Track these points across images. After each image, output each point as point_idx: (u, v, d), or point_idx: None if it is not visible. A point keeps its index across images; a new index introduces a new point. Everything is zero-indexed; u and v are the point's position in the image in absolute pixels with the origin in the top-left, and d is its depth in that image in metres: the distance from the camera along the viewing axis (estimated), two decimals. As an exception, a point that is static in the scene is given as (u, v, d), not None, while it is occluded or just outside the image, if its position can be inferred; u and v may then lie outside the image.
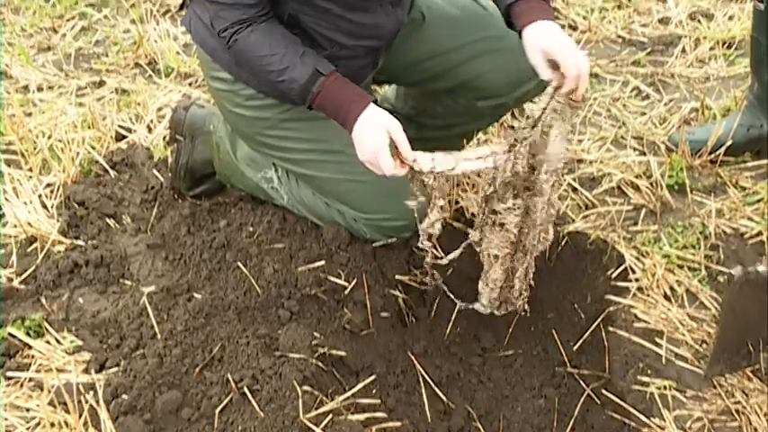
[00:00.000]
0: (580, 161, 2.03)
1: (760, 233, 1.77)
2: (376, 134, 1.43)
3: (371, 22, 1.55)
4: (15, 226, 1.78)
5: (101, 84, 2.32)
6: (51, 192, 1.88)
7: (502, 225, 1.48)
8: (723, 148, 1.93)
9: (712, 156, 1.95)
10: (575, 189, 1.93)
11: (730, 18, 2.50)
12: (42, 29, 2.52)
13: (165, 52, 2.39)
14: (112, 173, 1.95)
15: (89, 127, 2.08)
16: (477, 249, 1.52)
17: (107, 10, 2.61)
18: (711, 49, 2.38)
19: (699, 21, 2.51)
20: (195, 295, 1.61)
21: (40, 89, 2.28)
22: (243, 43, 1.50)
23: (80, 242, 1.76)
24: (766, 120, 1.95)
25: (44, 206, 1.84)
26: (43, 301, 1.63)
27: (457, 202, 1.85)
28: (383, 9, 1.55)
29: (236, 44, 1.50)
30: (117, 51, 2.44)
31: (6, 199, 1.84)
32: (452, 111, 1.78)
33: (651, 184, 1.92)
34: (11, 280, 1.67)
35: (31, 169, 1.94)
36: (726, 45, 2.40)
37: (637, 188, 1.91)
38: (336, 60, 1.51)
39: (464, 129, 1.82)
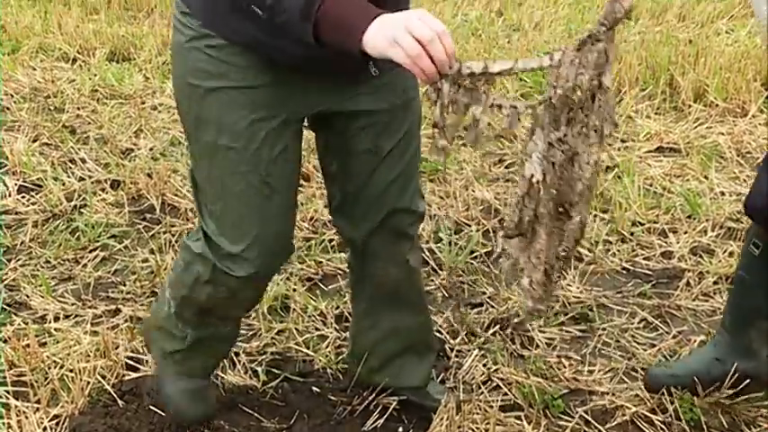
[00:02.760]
0: (591, 393, 2.01)
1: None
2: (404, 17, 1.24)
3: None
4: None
5: (116, 312, 2.37)
6: (57, 424, 1.86)
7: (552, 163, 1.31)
8: (728, 388, 1.92)
9: (720, 394, 1.93)
10: (587, 422, 1.90)
11: (730, 254, 2.57)
12: (66, 260, 2.61)
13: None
14: (121, 402, 1.93)
15: (101, 356, 2.10)
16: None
17: (128, 241, 2.72)
18: (715, 283, 2.43)
19: (700, 256, 2.59)
20: None
21: (57, 318, 2.32)
22: None
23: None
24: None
25: (49, 439, 1.82)
26: None
27: None
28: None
29: None
30: (134, 280, 2.51)
31: (11, 432, 1.82)
32: None
33: (665, 421, 1.89)
34: None
35: (39, 401, 1.94)
36: (729, 280, 2.45)
37: (651, 423, 1.88)
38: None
39: None
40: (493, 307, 2.39)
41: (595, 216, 2.76)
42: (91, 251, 2.65)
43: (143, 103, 3.56)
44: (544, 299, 1.44)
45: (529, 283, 1.43)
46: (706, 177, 3.00)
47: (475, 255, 2.61)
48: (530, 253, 1.42)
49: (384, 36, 1.27)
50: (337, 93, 1.64)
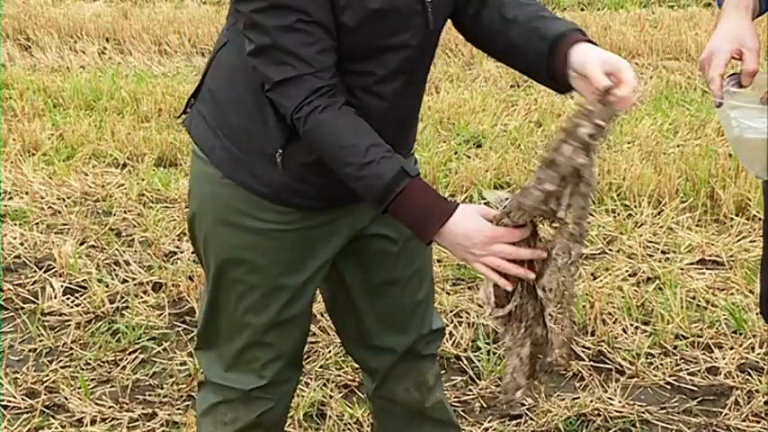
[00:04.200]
0: None
1: None
2: (478, 219, 1.36)
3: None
4: None
5: (153, 416, 2.36)
6: None
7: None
8: None
9: None
10: None
11: (781, 365, 2.51)
12: (105, 362, 2.63)
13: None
14: None
15: (135, 460, 2.08)
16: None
17: (167, 343, 2.73)
18: (766, 403, 2.35)
19: (749, 373, 2.51)
20: None
21: (93, 422, 2.32)
22: (323, 128, 1.38)
23: None
24: None
25: None
26: None
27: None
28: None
29: (312, 129, 1.38)
30: (171, 383, 2.51)
31: None
32: None
33: None
34: None
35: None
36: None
37: None
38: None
39: None
40: (532, 419, 2.33)
41: (637, 328, 2.72)
42: (130, 353, 2.67)
43: (187, 207, 3.64)
44: (521, 388, 1.43)
45: (512, 370, 1.42)
46: (751, 292, 2.94)
47: (514, 365, 2.56)
48: (514, 339, 1.42)
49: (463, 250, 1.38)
50: (357, 216, 1.64)
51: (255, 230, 1.57)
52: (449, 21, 1.59)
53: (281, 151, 1.50)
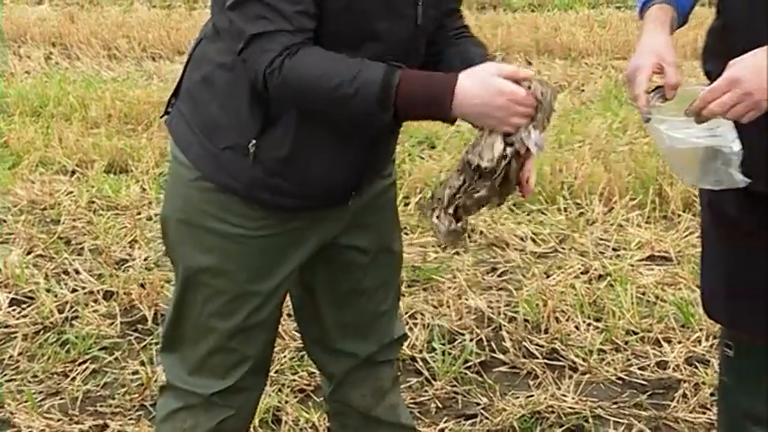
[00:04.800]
0: None
1: None
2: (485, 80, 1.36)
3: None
4: None
5: (104, 427, 2.32)
6: None
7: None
8: None
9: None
10: None
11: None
12: (54, 374, 2.58)
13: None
14: None
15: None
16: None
17: (118, 353, 2.69)
18: (712, 395, 2.40)
19: (696, 366, 2.56)
20: None
21: (41, 435, 2.27)
22: (299, 67, 1.34)
23: None
24: None
25: None
26: None
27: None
28: None
29: (290, 72, 1.34)
30: (123, 393, 2.47)
31: None
32: None
33: None
34: None
35: None
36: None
37: None
38: None
39: None
40: (487, 419, 2.35)
41: (589, 325, 2.75)
42: (80, 364, 2.62)
43: (138, 213, 3.60)
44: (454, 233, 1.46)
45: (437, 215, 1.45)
46: (698, 287, 3.00)
47: (469, 364, 2.58)
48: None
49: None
50: (327, 226, 1.64)
51: (224, 234, 1.56)
52: None
53: (254, 142, 1.48)
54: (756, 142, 1.51)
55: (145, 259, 3.23)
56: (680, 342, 2.66)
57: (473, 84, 1.37)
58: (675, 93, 1.49)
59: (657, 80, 1.49)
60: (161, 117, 1.67)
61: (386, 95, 1.34)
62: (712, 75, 1.50)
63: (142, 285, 3.00)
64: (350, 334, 1.75)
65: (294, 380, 2.51)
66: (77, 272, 3.12)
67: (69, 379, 2.55)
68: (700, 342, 2.65)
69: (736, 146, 1.46)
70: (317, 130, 1.48)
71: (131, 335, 2.77)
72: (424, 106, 1.37)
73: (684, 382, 2.48)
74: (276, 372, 2.52)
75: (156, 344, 2.70)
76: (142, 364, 2.60)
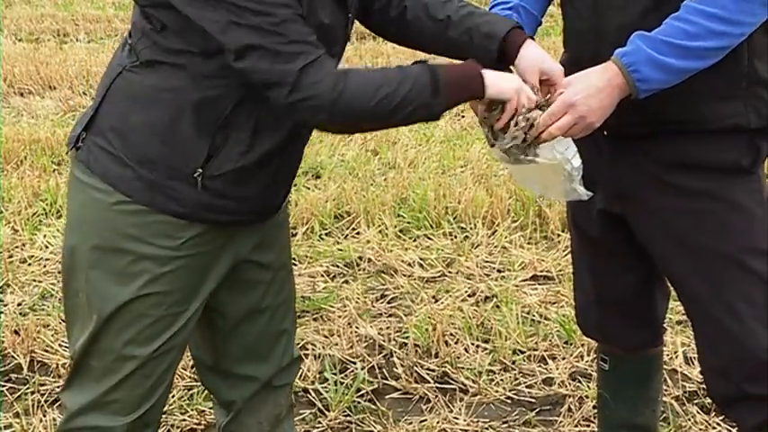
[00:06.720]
0: None
1: None
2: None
3: None
4: None
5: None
6: None
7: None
8: None
9: None
10: None
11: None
12: None
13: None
14: None
15: None
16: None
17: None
18: (595, 407, 2.49)
19: (579, 381, 2.65)
20: None
21: None
22: (353, 87, 1.40)
23: None
24: None
25: None
26: None
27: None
28: None
29: (349, 92, 1.40)
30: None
31: None
32: None
33: None
34: None
35: None
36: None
37: None
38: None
39: None
40: (382, 447, 2.35)
41: (478, 347, 2.81)
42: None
43: (11, 256, 3.43)
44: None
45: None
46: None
47: (361, 393, 2.58)
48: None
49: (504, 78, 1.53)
50: (241, 243, 1.64)
51: (150, 256, 1.52)
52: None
53: (200, 171, 1.49)
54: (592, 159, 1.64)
55: (18, 304, 3.07)
56: (564, 358, 2.75)
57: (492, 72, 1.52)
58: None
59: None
60: (67, 152, 1.61)
61: (436, 84, 1.44)
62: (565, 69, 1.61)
63: (16, 332, 2.84)
64: (249, 356, 1.73)
65: (183, 419, 2.44)
66: (-56, 320, 2.93)
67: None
68: (582, 357, 2.75)
69: (576, 161, 1.58)
70: (260, 149, 1.51)
71: (4, 385, 2.62)
72: (464, 85, 1.48)
73: (569, 396, 2.56)
74: (165, 413, 2.44)
75: (32, 393, 2.57)
76: (16, 416, 2.46)
